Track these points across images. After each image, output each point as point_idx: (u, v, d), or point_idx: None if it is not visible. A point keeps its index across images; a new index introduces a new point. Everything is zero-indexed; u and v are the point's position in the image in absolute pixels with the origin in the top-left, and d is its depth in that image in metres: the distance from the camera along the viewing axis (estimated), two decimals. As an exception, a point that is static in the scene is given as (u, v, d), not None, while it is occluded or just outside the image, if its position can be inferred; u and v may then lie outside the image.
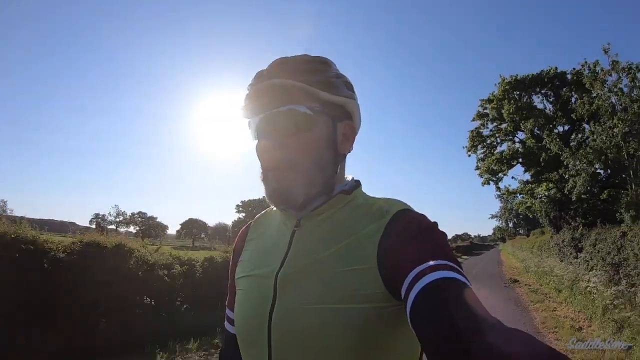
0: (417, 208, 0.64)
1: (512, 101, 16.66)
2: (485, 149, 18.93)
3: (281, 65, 0.65)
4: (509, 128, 17.65)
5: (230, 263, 0.79)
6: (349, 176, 0.72)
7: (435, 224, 0.60)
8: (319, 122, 0.65)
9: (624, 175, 9.47)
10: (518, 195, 19.00)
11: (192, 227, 79.23)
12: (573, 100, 15.76)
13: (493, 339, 0.38)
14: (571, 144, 14.26)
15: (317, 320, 0.56)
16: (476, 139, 18.90)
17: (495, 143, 18.72)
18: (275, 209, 0.73)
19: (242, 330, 0.66)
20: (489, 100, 18.04)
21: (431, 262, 0.49)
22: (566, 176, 11.42)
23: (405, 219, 0.59)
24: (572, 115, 14.64)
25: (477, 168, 18.83)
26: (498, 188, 18.60)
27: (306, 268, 0.61)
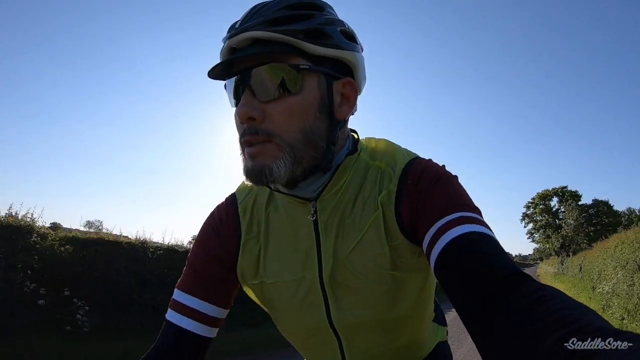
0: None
1: (541, 204, 41.42)
2: (529, 219, 43.48)
3: (258, 13, 0.51)
4: (539, 213, 41.80)
5: (202, 244, 0.64)
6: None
7: (444, 167, 0.58)
8: (307, 84, 0.52)
9: (567, 244, 33.37)
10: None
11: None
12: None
13: (521, 295, 0.37)
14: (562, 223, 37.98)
15: (382, 308, 0.58)
16: (525, 216, 43.75)
17: (534, 216, 42.86)
18: (268, 190, 0.62)
19: (302, 339, 0.67)
20: (531, 202, 42.96)
21: (451, 216, 0.48)
22: (553, 240, 35.75)
23: (413, 173, 0.56)
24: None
25: (525, 227, 43.21)
26: (533, 240, 43.32)
27: (349, 260, 0.57)
